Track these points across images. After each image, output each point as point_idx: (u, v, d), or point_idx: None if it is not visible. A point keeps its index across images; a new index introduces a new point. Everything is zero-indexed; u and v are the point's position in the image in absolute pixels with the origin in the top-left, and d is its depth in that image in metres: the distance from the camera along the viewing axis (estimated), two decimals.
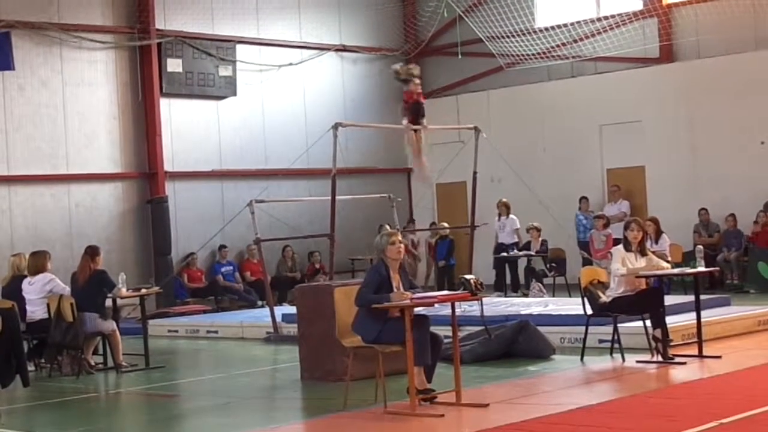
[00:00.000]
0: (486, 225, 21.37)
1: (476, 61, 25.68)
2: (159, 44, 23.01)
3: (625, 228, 12.91)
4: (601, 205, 23.88)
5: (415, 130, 16.73)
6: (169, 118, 23.35)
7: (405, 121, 16.71)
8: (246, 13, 24.55)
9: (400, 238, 10.54)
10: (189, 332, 18.98)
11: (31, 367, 13.60)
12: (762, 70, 22.11)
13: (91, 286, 14.13)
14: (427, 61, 27.37)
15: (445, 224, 23.95)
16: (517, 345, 13.34)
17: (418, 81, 16.55)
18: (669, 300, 13.70)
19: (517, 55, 24.14)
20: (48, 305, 14.09)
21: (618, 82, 24.15)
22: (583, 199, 23.43)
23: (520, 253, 22.08)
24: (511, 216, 22.78)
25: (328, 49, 26.07)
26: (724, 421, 8.66)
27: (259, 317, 18.82)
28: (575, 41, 24.47)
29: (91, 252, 14.41)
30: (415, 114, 16.57)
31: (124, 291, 14.55)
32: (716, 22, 22.41)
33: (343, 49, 26.36)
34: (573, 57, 24.57)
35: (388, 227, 19.99)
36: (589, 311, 12.80)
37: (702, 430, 8.42)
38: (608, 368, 12.43)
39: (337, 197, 17.14)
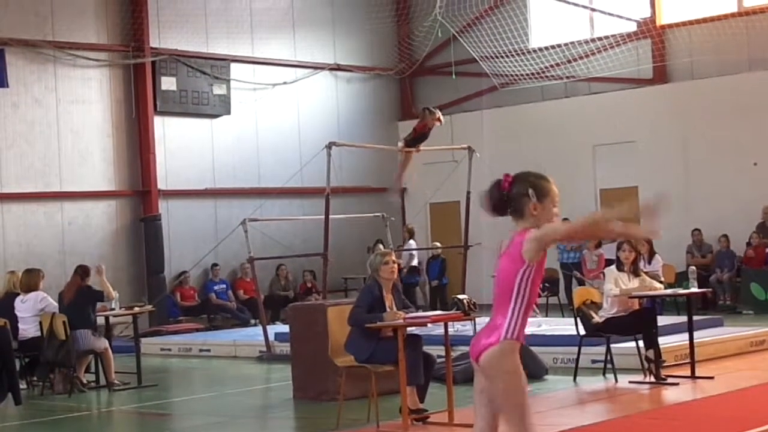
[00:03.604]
0: (479, 245, 21.38)
1: (470, 81, 25.70)
2: (153, 62, 23.02)
3: (618, 248, 12.93)
4: None
5: (408, 152, 16.90)
6: (162, 136, 23.35)
7: (401, 144, 16.88)
8: (240, 32, 24.59)
9: (394, 258, 10.55)
10: (182, 351, 18.94)
11: (23, 385, 13.59)
12: (755, 92, 22.17)
13: (77, 302, 14.09)
14: (421, 80, 27.44)
15: (438, 243, 23.99)
16: None
17: (439, 118, 16.65)
18: (662, 321, 13.72)
19: (511, 75, 24.18)
20: (40, 323, 14.07)
21: (612, 102, 24.19)
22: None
23: None
24: (410, 241, 23.02)
25: (323, 68, 26.10)
26: None
27: (251, 336, 18.79)
28: (569, 62, 24.52)
29: (82, 272, 14.38)
30: (419, 141, 16.76)
31: (111, 290, 14.48)
32: (710, 44, 22.47)
33: (337, 68, 26.40)
34: (567, 77, 24.62)
35: (381, 246, 20.04)
36: (582, 331, 12.81)
37: None
38: (601, 389, 12.43)
39: (331, 216, 17.15)
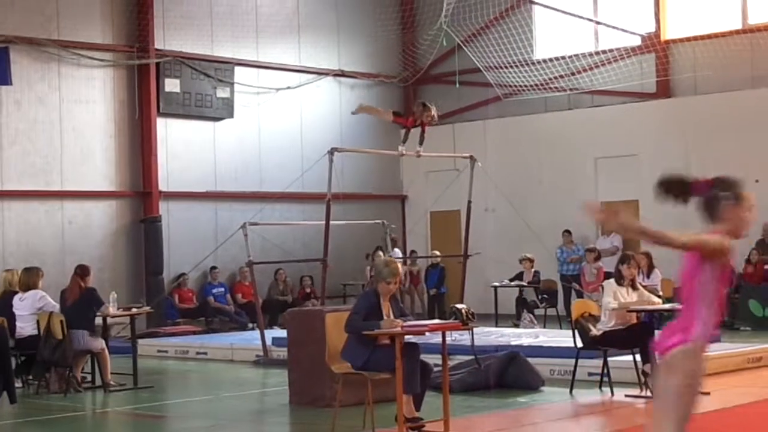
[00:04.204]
0: (479, 254, 21.39)
1: (474, 91, 25.72)
2: (157, 64, 23.04)
3: (622, 262, 12.89)
4: (594, 238, 23.89)
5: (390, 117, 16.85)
6: (165, 137, 23.36)
7: (401, 148, 16.86)
8: (245, 36, 24.61)
9: (400, 279, 10.42)
10: (178, 353, 18.92)
11: (18, 384, 13.58)
12: (758, 108, 22.17)
13: (80, 304, 14.08)
14: (424, 89, 27.44)
15: (437, 252, 23.98)
16: (507, 376, 13.32)
17: (433, 115, 16.40)
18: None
19: (515, 86, 24.19)
20: (38, 322, 14.05)
21: (614, 115, 24.21)
22: (565, 232, 23.43)
23: (512, 283, 22.04)
24: (395, 249, 23.08)
25: (327, 74, 26.11)
26: None
27: (249, 340, 18.78)
28: (573, 74, 24.54)
29: (81, 271, 14.36)
30: (409, 131, 16.52)
31: (111, 309, 14.51)
32: (713, 59, 22.49)
33: (341, 74, 26.41)
34: (570, 89, 24.62)
35: (381, 253, 20.02)
36: (580, 344, 12.80)
37: None
38: (597, 402, 12.41)
39: (331, 222, 17.14)
